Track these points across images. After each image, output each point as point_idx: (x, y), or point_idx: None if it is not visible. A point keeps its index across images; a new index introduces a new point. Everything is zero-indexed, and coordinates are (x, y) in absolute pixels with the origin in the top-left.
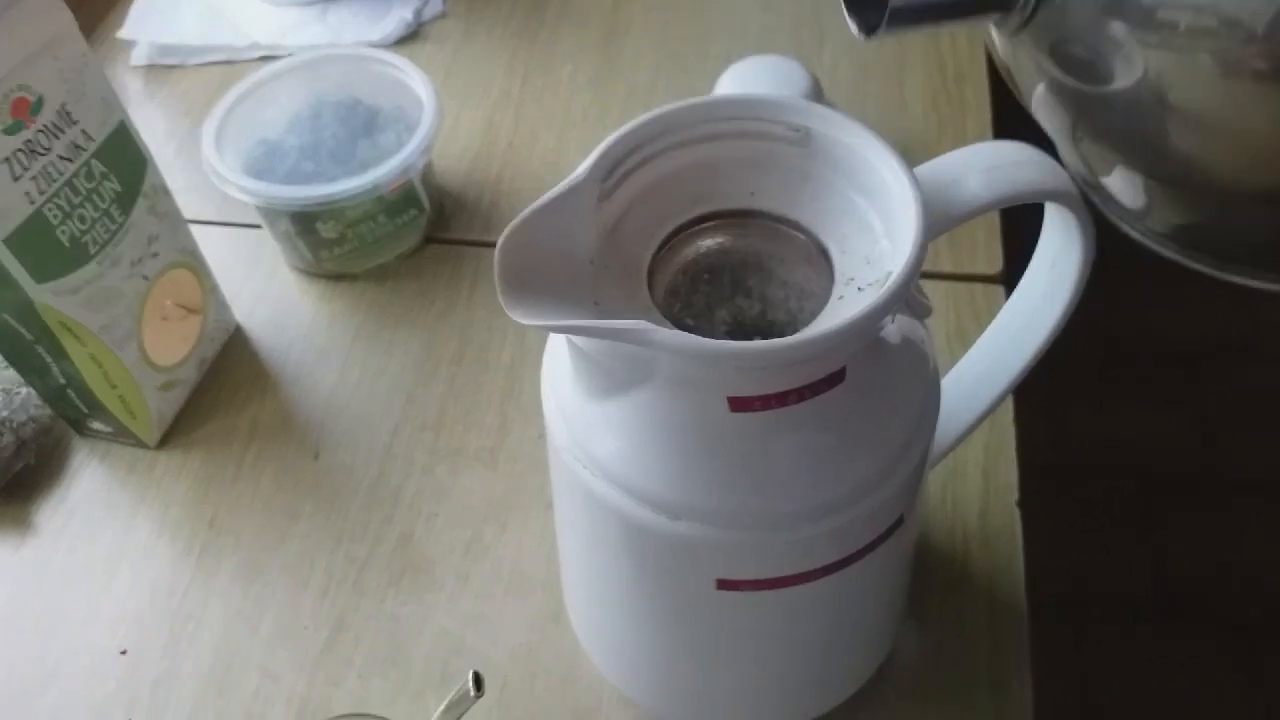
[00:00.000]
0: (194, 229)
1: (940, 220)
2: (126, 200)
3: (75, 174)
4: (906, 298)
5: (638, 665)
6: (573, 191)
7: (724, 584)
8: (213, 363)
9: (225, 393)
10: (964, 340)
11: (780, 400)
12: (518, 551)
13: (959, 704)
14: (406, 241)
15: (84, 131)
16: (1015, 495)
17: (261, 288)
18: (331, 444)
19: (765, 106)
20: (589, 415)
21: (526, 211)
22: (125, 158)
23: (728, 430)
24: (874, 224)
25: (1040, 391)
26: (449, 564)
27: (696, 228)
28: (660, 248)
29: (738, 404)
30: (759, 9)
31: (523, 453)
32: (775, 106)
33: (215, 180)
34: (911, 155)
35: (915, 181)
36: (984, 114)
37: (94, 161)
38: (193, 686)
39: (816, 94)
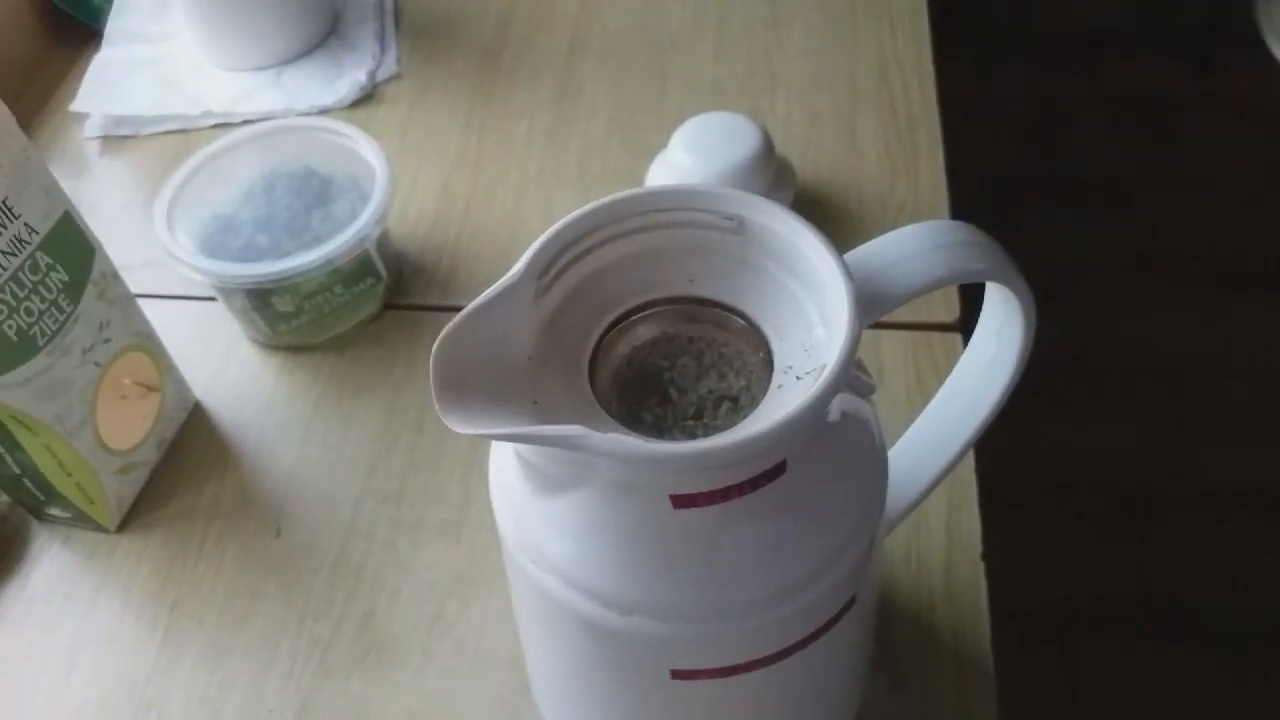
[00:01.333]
0: (149, 304)
1: (876, 306)
2: (74, 289)
3: (20, 268)
4: (848, 380)
5: None
6: (508, 291)
7: (679, 674)
8: (172, 442)
9: (185, 472)
10: (923, 390)
11: (723, 495)
12: (481, 627)
13: None
14: (364, 310)
15: (27, 225)
16: (979, 549)
17: (220, 363)
18: (293, 521)
19: (698, 197)
20: (536, 513)
21: (461, 314)
22: (72, 247)
23: (672, 526)
24: (810, 311)
25: (1016, 407)
26: (413, 642)
27: (636, 316)
28: (600, 339)
29: (680, 501)
30: (711, 59)
31: (485, 524)
32: (708, 197)
33: (168, 260)
34: (864, 201)
35: (847, 271)
36: (936, 158)
37: (39, 254)
38: None
39: (768, 148)
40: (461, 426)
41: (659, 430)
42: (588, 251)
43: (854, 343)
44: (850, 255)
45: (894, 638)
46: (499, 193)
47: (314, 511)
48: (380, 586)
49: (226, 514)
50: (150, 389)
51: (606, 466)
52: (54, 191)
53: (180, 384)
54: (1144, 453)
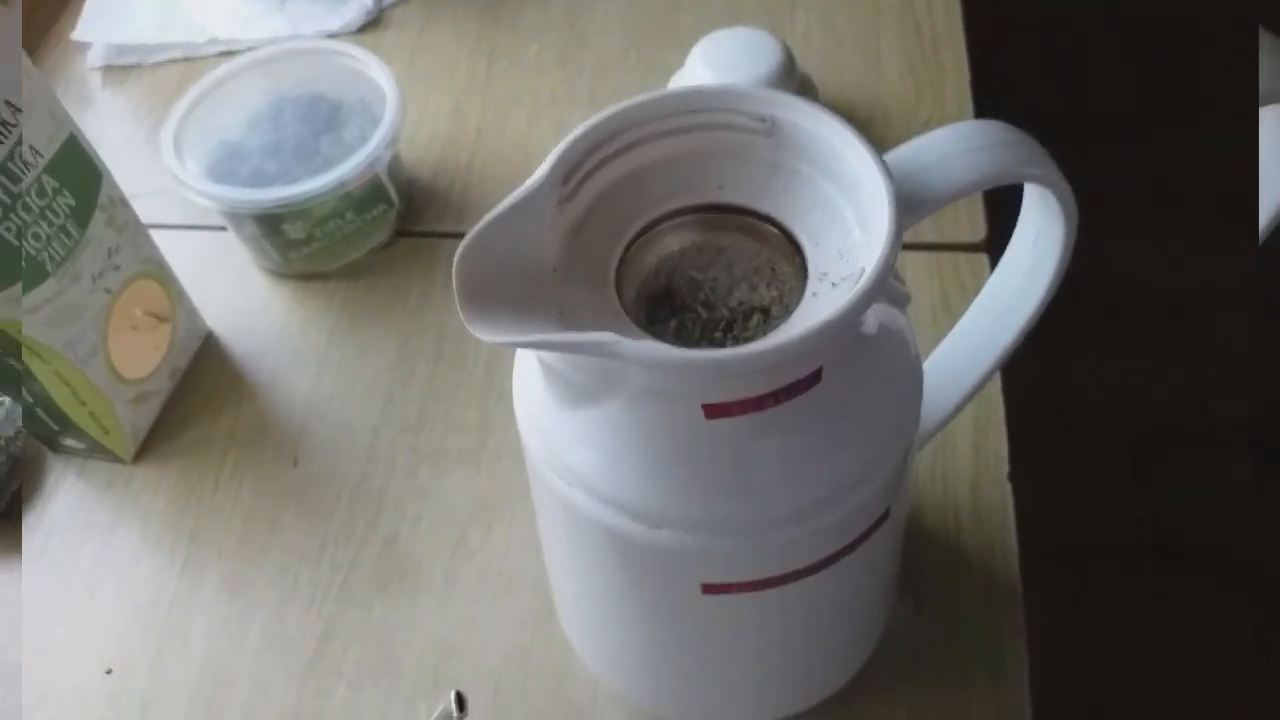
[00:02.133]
0: (159, 234)
1: (915, 208)
2: (82, 215)
3: (26, 191)
4: (884, 289)
5: (628, 666)
6: (531, 197)
7: (710, 588)
8: (185, 372)
9: (200, 402)
10: (949, 312)
11: (756, 405)
12: (505, 552)
13: (956, 684)
14: (376, 237)
15: (32, 148)
16: (1006, 468)
17: (231, 292)
18: (311, 450)
19: (728, 98)
20: (562, 426)
21: (483, 222)
22: (78, 172)
23: (704, 437)
24: (846, 215)
25: (1030, 343)
26: (436, 567)
27: (664, 225)
28: (627, 248)
29: (713, 411)
30: None
31: (505, 451)
32: (739, 97)
33: (177, 186)
34: (889, 122)
35: (887, 170)
36: (962, 77)
37: (45, 178)
38: (182, 703)
39: (789, 66)
40: (487, 334)
41: (687, 344)
42: (613, 156)
43: (896, 243)
44: (888, 156)
45: (920, 559)
46: (511, 116)
47: (332, 441)
48: (401, 513)
49: (243, 444)
50: (161, 319)
51: (637, 375)
52: (58, 114)
53: (192, 313)
54: (1156, 387)
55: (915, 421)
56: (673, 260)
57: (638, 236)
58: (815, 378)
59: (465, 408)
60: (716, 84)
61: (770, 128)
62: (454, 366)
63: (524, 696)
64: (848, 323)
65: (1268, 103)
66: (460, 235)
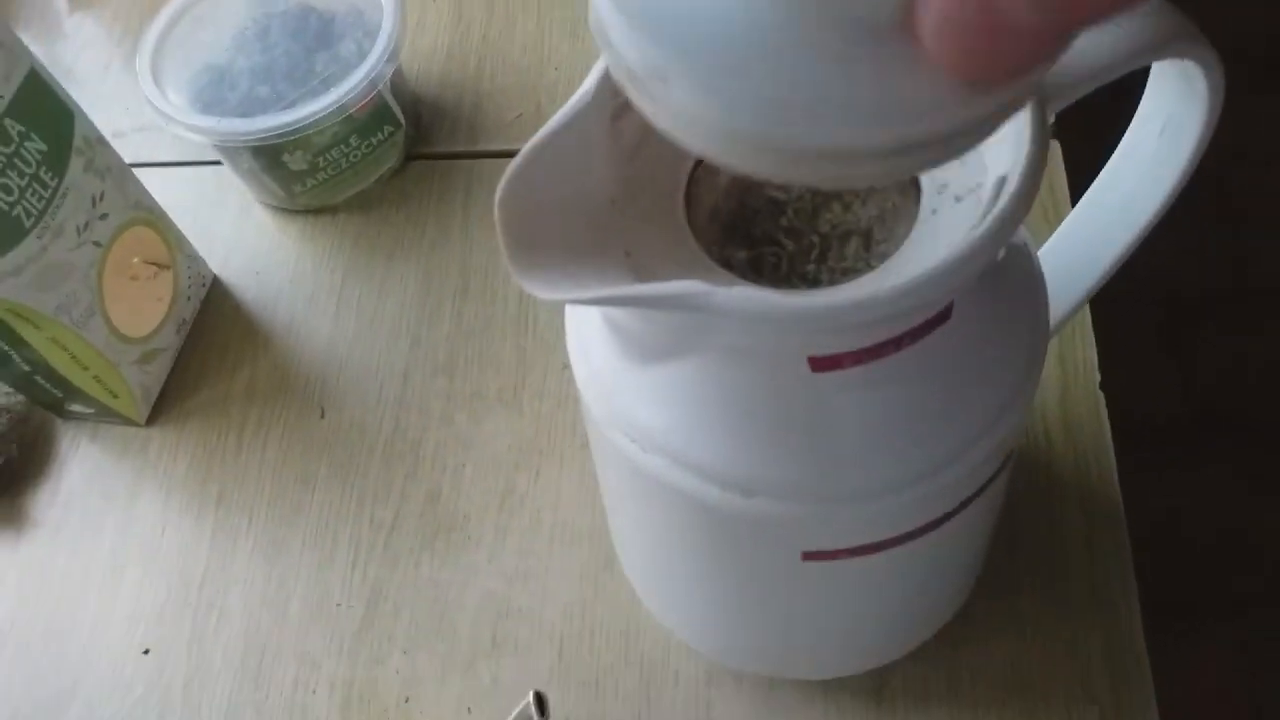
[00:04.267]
0: (148, 174)
1: (1058, 94)
2: (56, 160)
3: None
4: None
5: (707, 625)
6: (578, 117)
7: (811, 555)
8: (193, 323)
9: (213, 355)
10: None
11: (875, 354)
12: (557, 498)
13: (1059, 630)
14: (385, 163)
15: None
16: (1097, 377)
17: (234, 232)
18: (337, 399)
19: None
20: (631, 383)
21: (523, 153)
22: (45, 112)
23: (809, 393)
24: None
25: None
26: (484, 519)
27: None
28: (694, 171)
29: (821, 364)
30: None
31: (547, 390)
32: None
33: (159, 120)
34: None
35: None
36: None
37: (7, 121)
38: (226, 681)
39: None
40: (546, 292)
41: (775, 279)
42: None
43: (1044, 141)
44: None
45: (1013, 488)
46: (519, 18)
47: (359, 388)
48: (442, 464)
49: (264, 397)
50: (161, 267)
51: (728, 329)
52: (13, 45)
53: (194, 259)
54: (1191, 258)
55: (1043, 353)
56: (747, 181)
57: None
58: (944, 315)
59: (499, 346)
60: None
61: None
62: (482, 302)
63: (590, 653)
64: (998, 246)
65: None
66: (478, 155)
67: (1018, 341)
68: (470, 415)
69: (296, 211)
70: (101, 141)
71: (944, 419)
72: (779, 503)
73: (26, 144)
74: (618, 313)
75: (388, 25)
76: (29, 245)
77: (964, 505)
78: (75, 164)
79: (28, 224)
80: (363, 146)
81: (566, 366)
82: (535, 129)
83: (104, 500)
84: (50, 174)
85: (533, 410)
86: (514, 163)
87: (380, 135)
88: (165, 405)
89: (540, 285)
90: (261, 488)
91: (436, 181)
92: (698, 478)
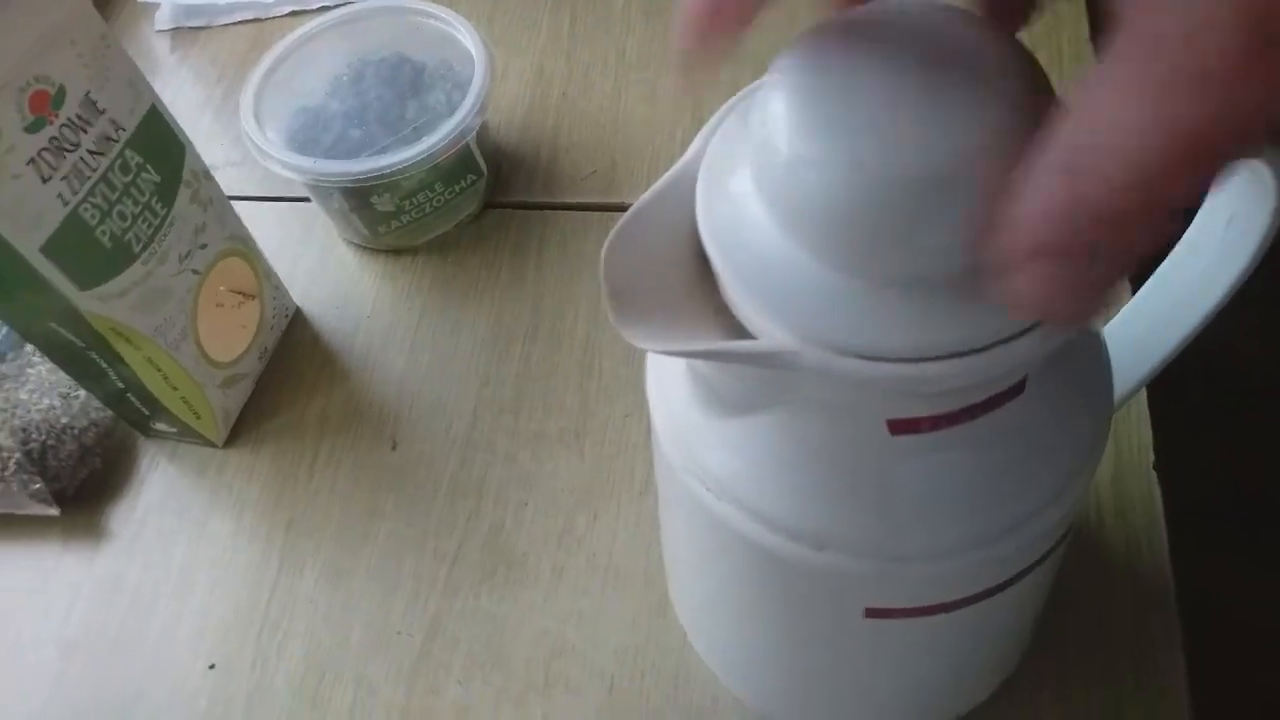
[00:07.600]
0: (239, 206)
1: None
2: (167, 191)
3: (109, 168)
4: None
5: (759, 675)
6: (680, 182)
7: (873, 612)
8: (274, 352)
9: (290, 383)
10: None
11: (950, 420)
12: (613, 541)
13: (1104, 707)
14: (465, 209)
15: (113, 121)
16: (1151, 458)
17: (317, 267)
18: (408, 433)
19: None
20: (710, 432)
21: (629, 212)
22: (161, 144)
23: (885, 454)
24: None
25: None
26: (543, 557)
27: None
28: None
29: (900, 426)
30: None
31: (608, 435)
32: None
33: (259, 157)
34: None
35: None
36: None
37: (128, 152)
38: (286, 700)
39: None
40: (642, 342)
41: None
42: None
43: None
44: None
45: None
46: (596, 78)
47: (429, 424)
48: (505, 500)
49: (337, 427)
50: (247, 296)
51: (815, 386)
52: (139, 83)
53: (279, 290)
54: (1252, 338)
55: (1108, 427)
56: None
57: None
58: (1019, 388)
59: (563, 389)
60: None
61: None
62: (549, 347)
63: (640, 696)
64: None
65: None
66: (551, 206)
67: (1084, 417)
68: (533, 454)
69: (378, 251)
70: (207, 175)
71: (1011, 488)
72: (848, 558)
73: (143, 175)
74: (702, 364)
75: (478, 80)
76: (136, 270)
77: (1022, 575)
78: (183, 195)
79: (137, 249)
80: (446, 192)
81: (628, 415)
82: (608, 185)
83: (178, 518)
84: (160, 204)
85: (593, 454)
86: (620, 221)
87: (463, 183)
88: (242, 429)
89: (638, 335)
90: (331, 516)
91: (513, 229)
92: (769, 529)
